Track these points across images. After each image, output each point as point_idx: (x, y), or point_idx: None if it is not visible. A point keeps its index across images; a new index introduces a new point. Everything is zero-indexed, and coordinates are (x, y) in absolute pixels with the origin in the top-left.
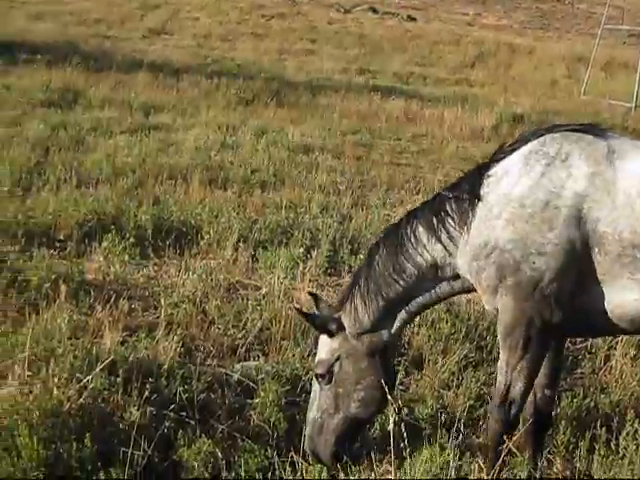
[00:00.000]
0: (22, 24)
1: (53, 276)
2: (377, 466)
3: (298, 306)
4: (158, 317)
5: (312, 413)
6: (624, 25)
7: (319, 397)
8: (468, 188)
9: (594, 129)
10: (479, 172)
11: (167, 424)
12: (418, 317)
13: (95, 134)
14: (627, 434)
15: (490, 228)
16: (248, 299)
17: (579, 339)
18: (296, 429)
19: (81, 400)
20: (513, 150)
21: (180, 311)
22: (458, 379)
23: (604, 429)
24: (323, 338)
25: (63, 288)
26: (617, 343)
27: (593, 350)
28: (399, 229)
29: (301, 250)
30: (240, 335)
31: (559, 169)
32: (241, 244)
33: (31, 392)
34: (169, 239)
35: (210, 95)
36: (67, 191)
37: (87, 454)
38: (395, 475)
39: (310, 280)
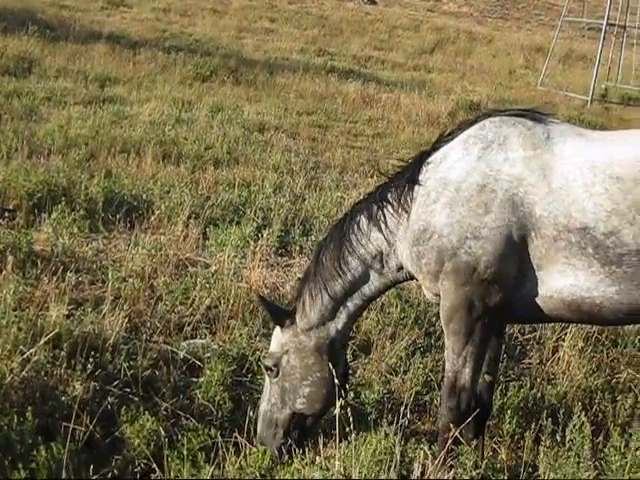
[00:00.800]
0: None
1: (0, 246)
2: (322, 450)
3: (262, 294)
4: (105, 291)
5: (262, 405)
6: (584, 18)
7: (269, 390)
8: (408, 175)
9: (534, 114)
10: (420, 159)
11: (110, 400)
12: None
13: (49, 104)
14: (574, 427)
15: (428, 213)
16: (197, 276)
17: (527, 328)
18: (241, 409)
19: (24, 373)
20: (454, 137)
21: (128, 286)
22: (406, 364)
23: (550, 420)
24: (276, 330)
25: (10, 259)
26: (565, 334)
27: (541, 341)
28: (344, 222)
29: (252, 229)
30: (187, 312)
31: (496, 152)
32: (192, 221)
33: None
34: (119, 213)
35: (167, 70)
36: (18, 161)
37: (28, 428)
38: (340, 459)
39: (260, 260)
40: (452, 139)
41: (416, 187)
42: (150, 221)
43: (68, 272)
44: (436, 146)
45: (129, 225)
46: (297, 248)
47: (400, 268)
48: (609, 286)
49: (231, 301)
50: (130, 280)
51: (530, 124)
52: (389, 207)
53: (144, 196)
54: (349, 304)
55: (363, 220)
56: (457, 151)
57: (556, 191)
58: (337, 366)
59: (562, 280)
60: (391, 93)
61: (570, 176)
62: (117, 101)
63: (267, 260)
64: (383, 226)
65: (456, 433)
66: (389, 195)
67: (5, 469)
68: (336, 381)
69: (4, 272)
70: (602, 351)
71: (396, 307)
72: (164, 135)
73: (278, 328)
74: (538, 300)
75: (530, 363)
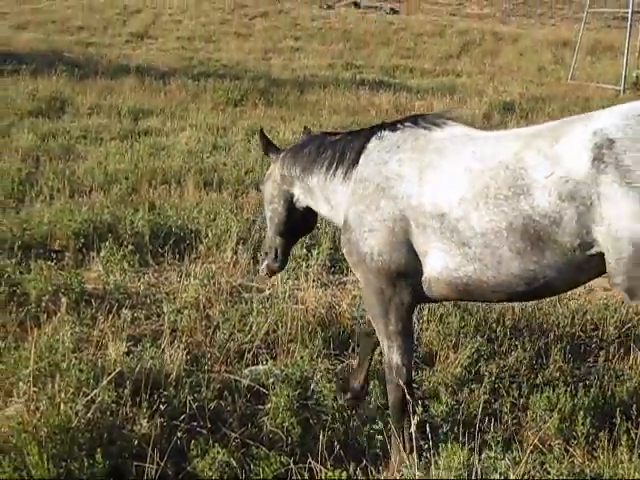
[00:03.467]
0: (6, 34)
1: (52, 288)
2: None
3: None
4: (162, 325)
5: None
6: (607, 8)
7: None
8: (353, 157)
9: (440, 119)
10: (366, 140)
11: (179, 435)
12: (426, 312)
13: (85, 142)
14: None
15: (348, 204)
16: (252, 302)
17: (589, 327)
18: (310, 433)
19: (89, 414)
20: (387, 135)
21: (184, 317)
22: (471, 373)
23: (623, 418)
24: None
25: (63, 300)
26: (630, 330)
27: (605, 337)
28: (323, 148)
29: (302, 249)
30: (246, 339)
31: (394, 154)
32: (240, 246)
33: (38, 409)
34: (167, 244)
35: (198, 97)
36: (61, 201)
37: (99, 470)
38: (420, 475)
39: (313, 280)
40: (384, 137)
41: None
42: (199, 250)
43: (123, 309)
44: (375, 131)
45: (178, 256)
46: (348, 265)
47: None
48: (466, 266)
49: (289, 324)
50: (185, 311)
51: (428, 131)
52: (339, 171)
53: (190, 226)
54: (308, 198)
55: (326, 164)
56: (375, 152)
57: (427, 184)
58: (291, 214)
59: (438, 263)
60: (423, 100)
61: (439, 171)
62: (152, 133)
63: (320, 279)
64: (332, 194)
65: (535, 441)
66: (345, 159)
67: None
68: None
69: (59, 314)
70: None
71: (455, 316)
72: (203, 163)
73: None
74: (431, 282)
75: (596, 362)
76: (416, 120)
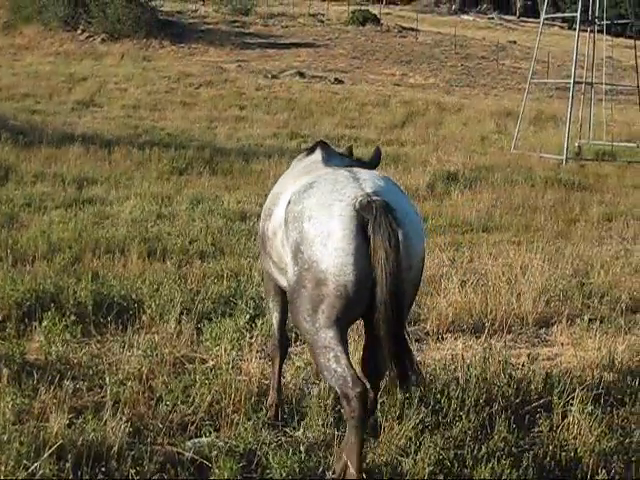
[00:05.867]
0: None
1: None
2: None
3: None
4: (104, 396)
5: None
6: (549, 79)
7: None
8: None
9: (315, 147)
10: None
11: None
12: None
13: (29, 210)
14: None
15: None
16: (195, 373)
17: (534, 395)
18: None
19: None
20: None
21: (126, 389)
22: (416, 445)
23: None
24: None
25: (4, 370)
26: (573, 398)
27: (550, 407)
28: None
29: (246, 320)
30: (189, 411)
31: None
32: (184, 317)
33: None
34: (110, 315)
35: (143, 166)
36: (3, 270)
37: None
38: None
39: (257, 350)
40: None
41: None
42: (142, 321)
43: (65, 380)
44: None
45: (121, 327)
46: (292, 335)
47: None
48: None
49: (232, 395)
50: (128, 383)
51: (307, 155)
52: None
53: (133, 295)
54: None
55: None
56: None
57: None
58: None
59: None
60: None
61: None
62: (97, 201)
63: (264, 350)
64: None
65: None
66: None
67: None
68: None
69: (0, 385)
70: (611, 412)
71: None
72: (147, 232)
73: None
74: None
75: (540, 431)
76: (314, 145)
